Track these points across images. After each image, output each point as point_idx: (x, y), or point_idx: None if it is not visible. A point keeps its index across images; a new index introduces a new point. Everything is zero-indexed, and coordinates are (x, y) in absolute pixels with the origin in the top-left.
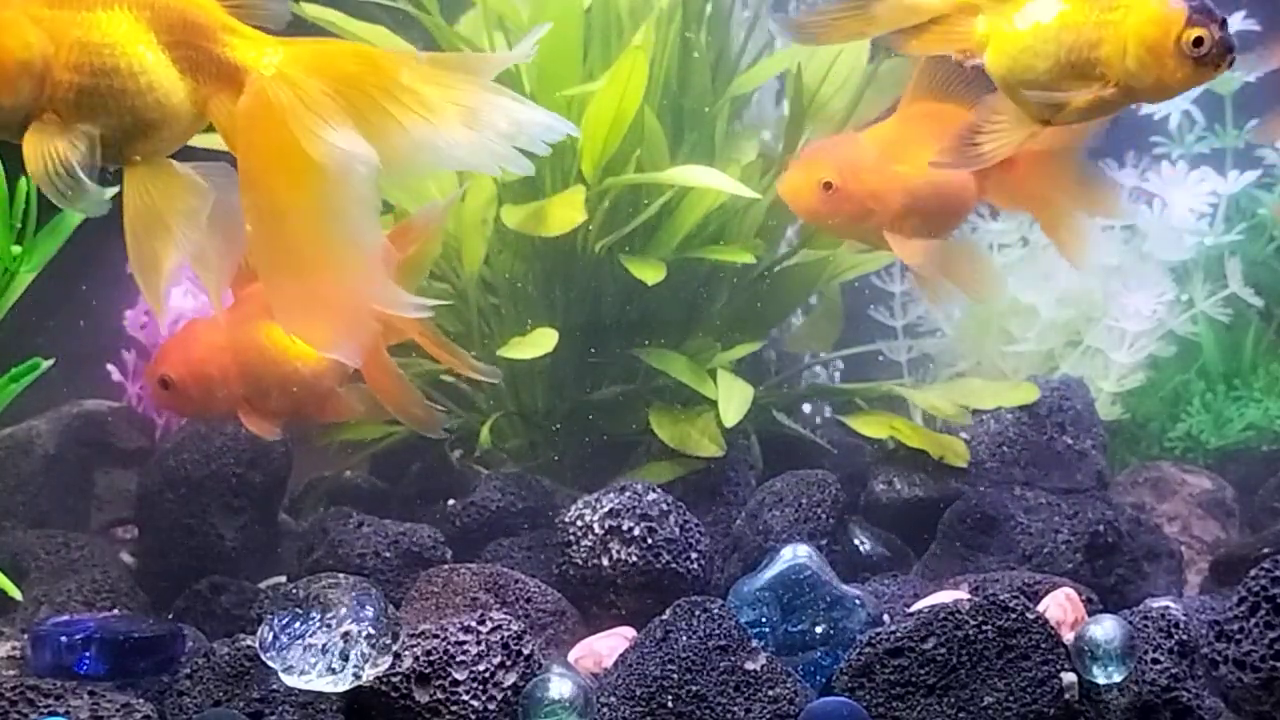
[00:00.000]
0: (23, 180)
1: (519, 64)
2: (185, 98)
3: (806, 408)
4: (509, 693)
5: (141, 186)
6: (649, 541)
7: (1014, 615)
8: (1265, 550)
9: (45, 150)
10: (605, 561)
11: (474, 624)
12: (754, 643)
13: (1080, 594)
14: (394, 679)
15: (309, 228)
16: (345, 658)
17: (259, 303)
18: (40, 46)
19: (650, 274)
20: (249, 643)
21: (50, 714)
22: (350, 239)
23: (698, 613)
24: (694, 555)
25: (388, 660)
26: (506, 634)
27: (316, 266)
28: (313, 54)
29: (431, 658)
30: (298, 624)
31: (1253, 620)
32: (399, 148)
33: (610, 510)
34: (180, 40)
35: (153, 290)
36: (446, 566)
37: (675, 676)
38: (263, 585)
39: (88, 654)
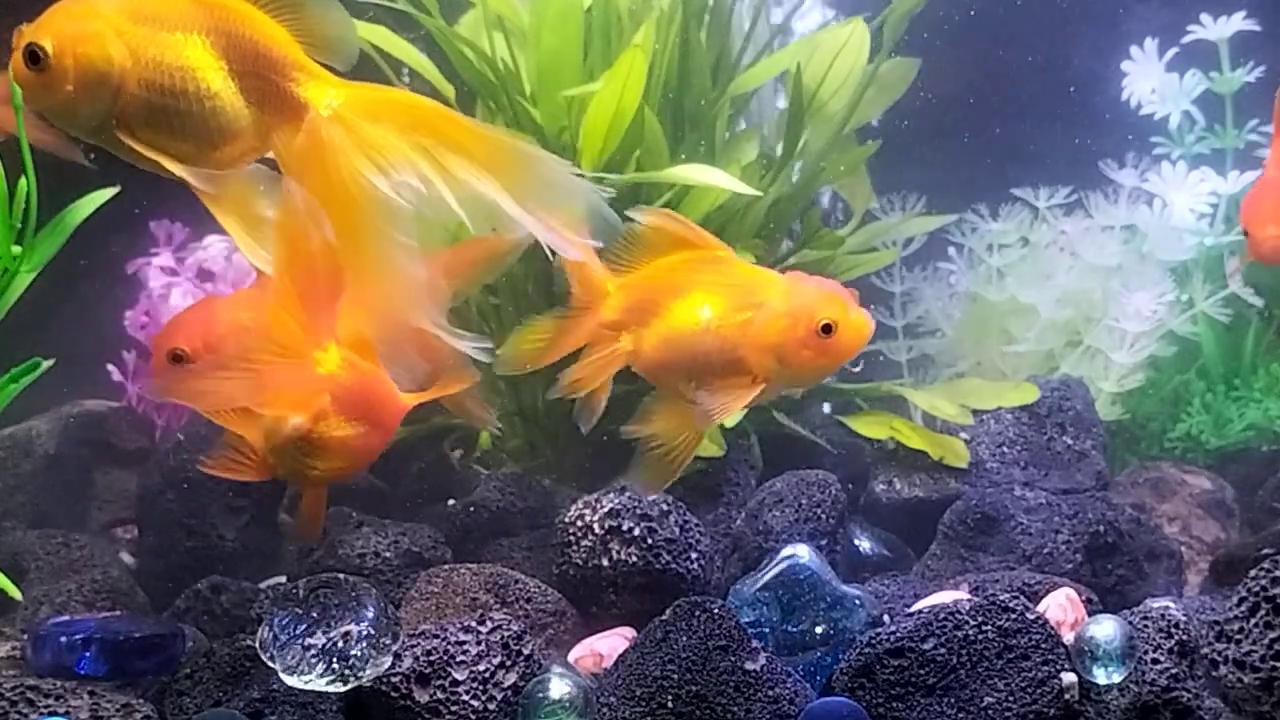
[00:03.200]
0: (22, 180)
1: (519, 65)
2: (249, 125)
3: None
4: (509, 693)
5: (217, 200)
6: (649, 542)
7: (1014, 615)
8: (1265, 550)
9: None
10: (605, 562)
11: (474, 624)
12: (754, 643)
13: (1080, 594)
14: (394, 679)
15: (351, 262)
16: (345, 658)
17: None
18: (119, 60)
19: None
20: (249, 643)
21: (50, 714)
22: (387, 276)
23: (698, 613)
24: (694, 555)
25: (388, 660)
26: (506, 634)
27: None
28: (371, 99)
29: (431, 658)
30: (298, 624)
31: (1253, 620)
32: (435, 202)
33: (610, 510)
34: (250, 71)
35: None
36: (446, 566)
37: (675, 676)
38: (263, 585)
39: (88, 654)
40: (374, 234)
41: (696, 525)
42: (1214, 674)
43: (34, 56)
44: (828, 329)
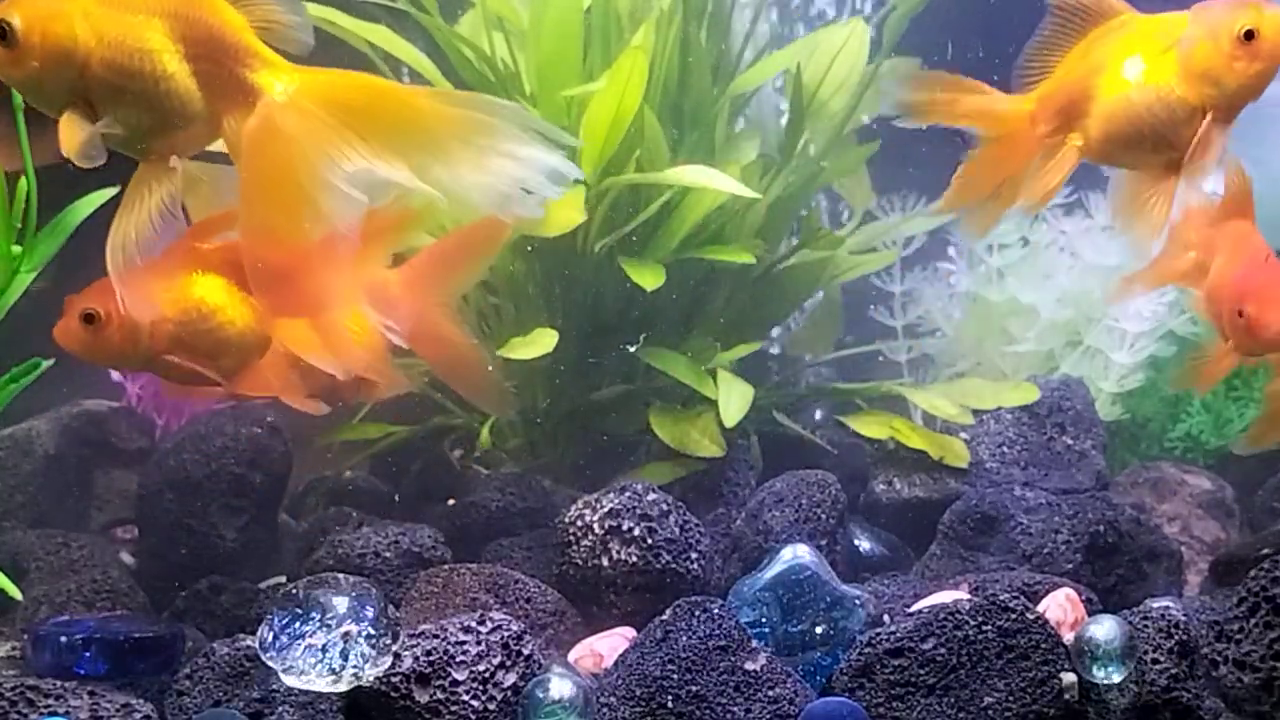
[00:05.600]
0: (23, 180)
1: (519, 65)
2: (201, 109)
3: (817, 414)
4: (509, 693)
5: (148, 178)
6: (649, 541)
7: (1014, 615)
8: (1265, 550)
9: (76, 134)
10: (605, 561)
11: (474, 624)
12: (754, 643)
13: (1080, 594)
14: (394, 679)
15: (297, 249)
16: (345, 658)
17: (211, 257)
18: (84, 39)
19: (649, 279)
20: (249, 643)
21: (50, 714)
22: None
23: (698, 613)
24: (694, 555)
25: (388, 660)
26: (506, 634)
27: (301, 288)
28: (326, 83)
29: (431, 658)
30: (298, 624)
31: (1253, 620)
32: (407, 176)
33: (610, 510)
34: (205, 55)
35: (116, 268)
36: (446, 566)
37: (675, 676)
38: (263, 585)
39: (88, 654)
40: (321, 222)
41: (696, 525)
42: (1214, 674)
43: (1, 32)
44: (1249, 35)
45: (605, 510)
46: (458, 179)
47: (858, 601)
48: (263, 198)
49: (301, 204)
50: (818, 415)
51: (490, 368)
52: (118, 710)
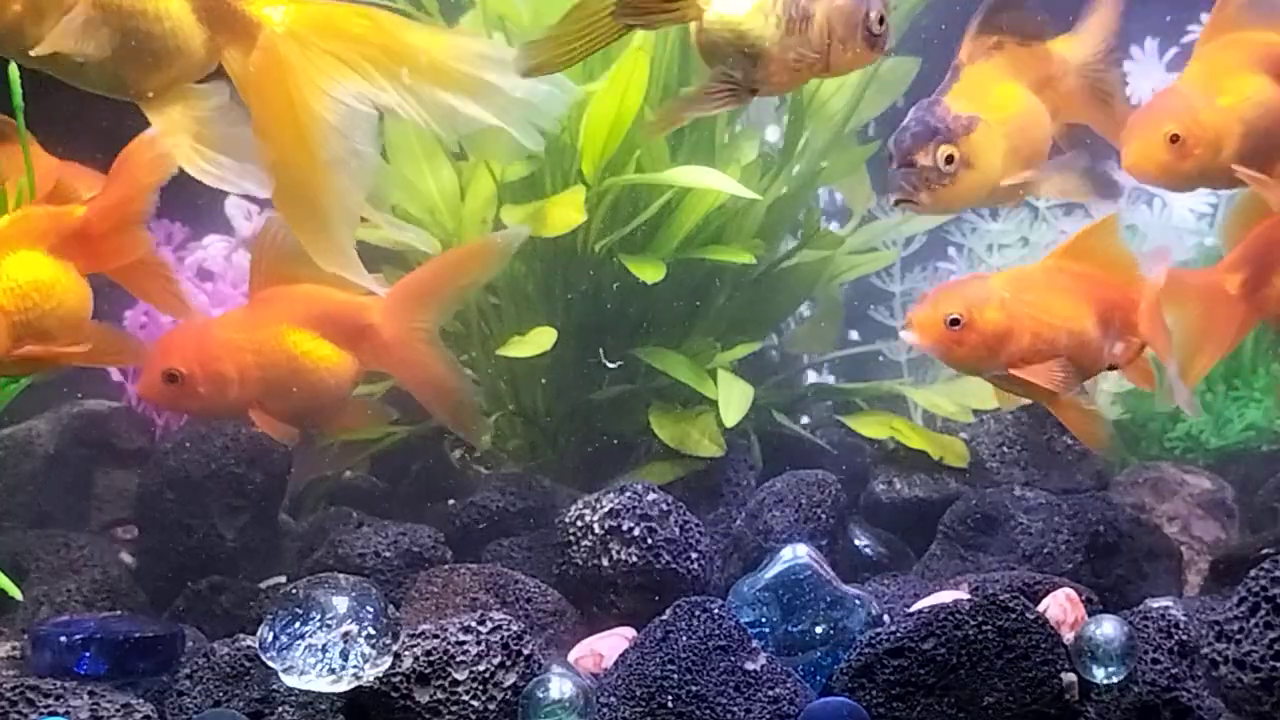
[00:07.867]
0: (22, 180)
1: None
2: (201, 44)
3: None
4: (509, 693)
5: (170, 107)
6: (649, 542)
7: (1014, 615)
8: (1265, 550)
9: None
10: (605, 562)
11: (474, 624)
12: (754, 643)
13: (1080, 594)
14: (394, 679)
15: (311, 175)
16: (345, 658)
17: (280, 305)
18: None
19: (650, 273)
20: (249, 643)
21: (50, 714)
22: (347, 188)
23: (698, 613)
24: (694, 555)
25: (388, 660)
26: (506, 634)
27: (319, 210)
28: (322, 13)
29: (431, 658)
30: (298, 624)
31: (1253, 620)
32: (404, 104)
33: (610, 510)
34: None
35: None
36: (446, 566)
37: (675, 676)
38: (263, 585)
39: (88, 654)
40: (329, 153)
41: (696, 525)
42: (1214, 674)
43: None
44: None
45: (605, 510)
46: (457, 99)
47: (858, 601)
48: (274, 127)
49: (309, 131)
50: (818, 415)
51: (471, 398)
52: (118, 710)
